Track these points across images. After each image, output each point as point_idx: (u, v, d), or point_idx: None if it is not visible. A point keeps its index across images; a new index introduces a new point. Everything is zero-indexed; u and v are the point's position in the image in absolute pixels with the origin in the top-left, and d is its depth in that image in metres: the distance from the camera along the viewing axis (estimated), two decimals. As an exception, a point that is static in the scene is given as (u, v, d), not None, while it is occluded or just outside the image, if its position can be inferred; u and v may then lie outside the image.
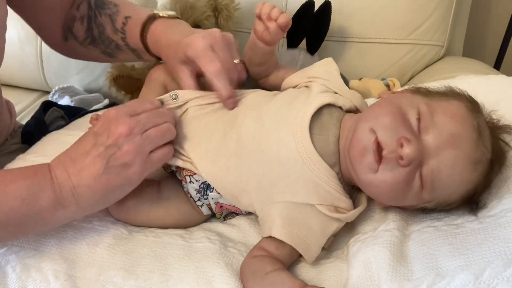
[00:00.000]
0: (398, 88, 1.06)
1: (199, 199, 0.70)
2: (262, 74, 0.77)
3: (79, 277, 0.62)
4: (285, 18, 0.67)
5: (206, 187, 0.69)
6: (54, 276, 0.62)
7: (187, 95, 0.71)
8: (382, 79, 1.10)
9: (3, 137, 0.93)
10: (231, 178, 0.66)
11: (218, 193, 0.68)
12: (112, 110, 0.64)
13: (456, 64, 1.16)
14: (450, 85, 0.68)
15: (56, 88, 1.24)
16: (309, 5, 1.06)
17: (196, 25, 1.04)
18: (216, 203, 0.70)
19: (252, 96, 0.71)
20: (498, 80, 0.79)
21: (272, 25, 0.67)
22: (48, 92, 1.28)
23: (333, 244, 0.68)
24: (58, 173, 0.61)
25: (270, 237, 0.62)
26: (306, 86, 0.71)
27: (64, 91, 1.23)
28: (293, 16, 1.08)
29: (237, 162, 0.66)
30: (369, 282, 0.57)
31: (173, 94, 0.71)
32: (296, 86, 0.73)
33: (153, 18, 0.81)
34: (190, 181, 0.69)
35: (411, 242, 0.60)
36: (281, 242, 0.62)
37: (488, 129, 0.62)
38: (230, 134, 0.67)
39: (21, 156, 0.80)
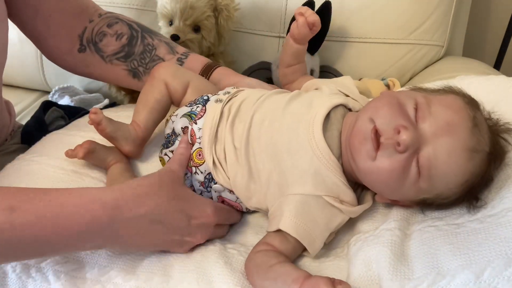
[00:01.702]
0: (398, 88, 1.06)
1: (201, 193, 0.71)
2: (288, 77, 0.83)
3: (79, 277, 0.62)
4: (314, 17, 0.76)
5: (211, 179, 0.70)
6: (55, 276, 0.62)
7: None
8: (382, 79, 1.10)
9: (2, 137, 0.93)
10: (245, 180, 0.68)
11: (221, 185, 0.69)
12: (213, 214, 0.65)
13: (456, 64, 1.16)
14: (449, 84, 0.69)
15: (56, 88, 1.24)
16: (309, 5, 1.06)
17: (196, 25, 1.04)
18: (219, 197, 0.71)
19: (269, 102, 0.72)
20: (498, 80, 0.78)
21: (301, 19, 0.76)
22: (48, 92, 1.28)
23: (333, 243, 0.68)
24: (116, 235, 0.59)
25: (274, 231, 0.63)
26: (316, 89, 0.75)
27: (64, 91, 1.23)
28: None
29: (249, 155, 0.67)
30: (369, 281, 0.57)
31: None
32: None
33: (217, 64, 0.91)
34: (196, 172, 0.70)
35: (412, 241, 0.59)
36: (285, 236, 0.62)
37: (486, 125, 0.63)
38: (243, 128, 0.68)
39: (20, 156, 0.80)
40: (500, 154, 0.64)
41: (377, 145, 0.60)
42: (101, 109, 1.10)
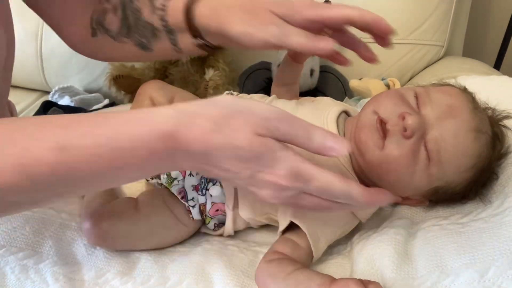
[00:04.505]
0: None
1: (192, 199, 0.67)
2: (280, 97, 0.77)
3: (77, 279, 0.62)
4: None
5: (209, 179, 0.65)
6: (53, 278, 0.62)
7: None
8: (382, 79, 1.10)
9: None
10: None
11: (222, 187, 0.65)
12: (286, 177, 0.48)
13: (456, 64, 1.16)
14: (444, 80, 0.71)
15: (56, 88, 1.23)
16: (309, 5, 1.06)
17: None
18: (213, 204, 0.66)
19: (278, 103, 0.73)
20: (501, 80, 0.79)
21: None
22: (48, 92, 1.28)
23: (336, 240, 0.66)
24: (175, 165, 0.51)
25: (284, 238, 0.62)
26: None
27: (64, 91, 1.23)
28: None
29: None
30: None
31: None
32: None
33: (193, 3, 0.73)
34: (190, 174, 0.66)
35: (416, 240, 0.59)
36: (296, 243, 0.61)
37: (485, 114, 0.64)
38: None
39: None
40: (500, 138, 0.64)
41: (384, 133, 0.60)
42: (101, 108, 1.11)
